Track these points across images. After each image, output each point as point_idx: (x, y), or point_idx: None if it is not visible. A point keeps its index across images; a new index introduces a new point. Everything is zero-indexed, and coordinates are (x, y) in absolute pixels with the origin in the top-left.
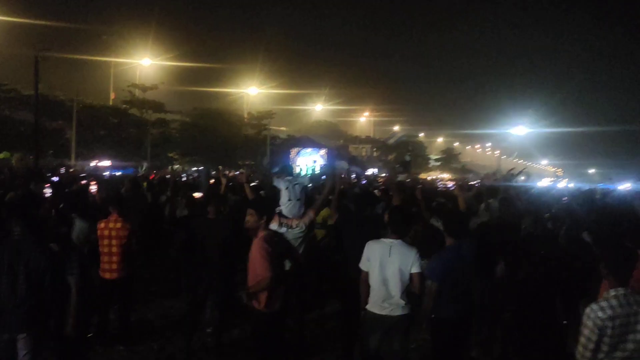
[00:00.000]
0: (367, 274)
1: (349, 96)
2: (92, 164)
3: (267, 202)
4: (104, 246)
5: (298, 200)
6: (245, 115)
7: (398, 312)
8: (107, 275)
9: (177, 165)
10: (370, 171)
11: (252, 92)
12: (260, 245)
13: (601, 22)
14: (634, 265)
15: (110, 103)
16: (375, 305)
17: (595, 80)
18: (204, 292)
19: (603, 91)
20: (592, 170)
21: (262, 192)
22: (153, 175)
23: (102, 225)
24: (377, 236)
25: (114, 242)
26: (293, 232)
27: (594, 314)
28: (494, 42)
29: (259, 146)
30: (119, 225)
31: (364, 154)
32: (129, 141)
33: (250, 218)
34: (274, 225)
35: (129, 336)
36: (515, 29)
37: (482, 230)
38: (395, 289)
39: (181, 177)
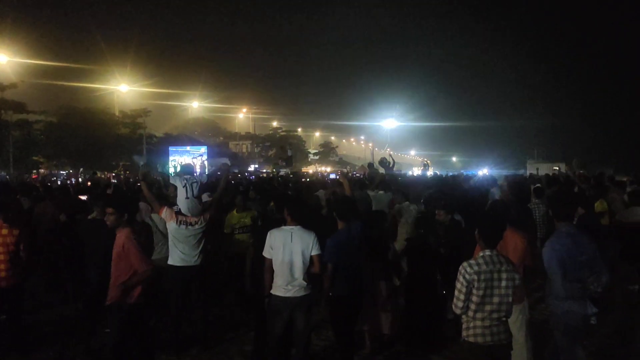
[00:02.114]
0: (270, 260)
1: (226, 93)
2: None
3: (127, 199)
4: None
5: (195, 197)
6: (117, 114)
7: (301, 292)
8: None
9: (42, 170)
10: (251, 167)
11: (123, 89)
12: (130, 240)
13: (467, 27)
14: (500, 232)
15: None
16: (279, 288)
17: (457, 79)
18: (94, 295)
19: (464, 89)
20: (454, 159)
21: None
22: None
23: None
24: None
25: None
26: (193, 228)
27: (464, 269)
28: (365, 39)
29: (133, 145)
30: (4, 231)
31: (244, 150)
32: None
33: (110, 217)
34: (172, 224)
35: (22, 343)
36: (385, 30)
37: (373, 217)
38: (298, 272)
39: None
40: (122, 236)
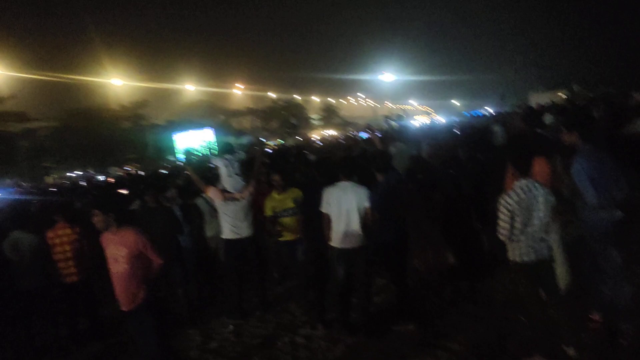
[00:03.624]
0: (328, 215)
1: (219, 72)
2: None
3: (110, 198)
4: (57, 253)
5: (237, 174)
6: (119, 108)
7: (358, 243)
8: (68, 280)
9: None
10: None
11: (117, 83)
12: (140, 237)
13: None
14: (529, 160)
15: None
16: (337, 240)
17: (455, 31)
18: None
19: (460, 42)
20: (457, 102)
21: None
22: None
23: (51, 234)
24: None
25: (67, 247)
26: (240, 203)
27: (505, 201)
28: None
29: (139, 137)
30: (68, 231)
31: (247, 125)
32: None
33: (96, 219)
34: (219, 201)
35: (99, 333)
36: None
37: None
38: (354, 224)
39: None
40: (128, 236)
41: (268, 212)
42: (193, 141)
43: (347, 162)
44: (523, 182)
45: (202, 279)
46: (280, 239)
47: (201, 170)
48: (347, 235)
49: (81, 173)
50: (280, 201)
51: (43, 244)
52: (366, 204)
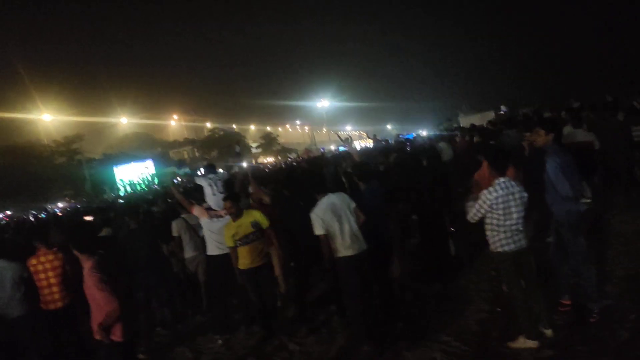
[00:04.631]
0: (325, 236)
1: (154, 104)
2: None
3: (82, 232)
4: (41, 280)
5: (221, 193)
6: (51, 144)
7: (364, 246)
8: (52, 306)
9: None
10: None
11: (46, 118)
12: (92, 277)
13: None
14: (506, 162)
15: None
16: (348, 249)
17: (385, 54)
18: None
19: (394, 70)
20: (390, 127)
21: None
22: None
23: (34, 261)
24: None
25: (50, 274)
26: (225, 220)
27: (485, 196)
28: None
29: (74, 172)
30: (50, 257)
31: (185, 156)
32: None
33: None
34: (204, 219)
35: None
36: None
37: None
38: (355, 229)
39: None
40: (85, 273)
41: (229, 243)
42: (133, 173)
43: (318, 178)
44: (501, 180)
45: (183, 299)
46: (244, 267)
47: (140, 202)
48: (353, 238)
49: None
50: (238, 227)
51: (25, 271)
52: (352, 204)
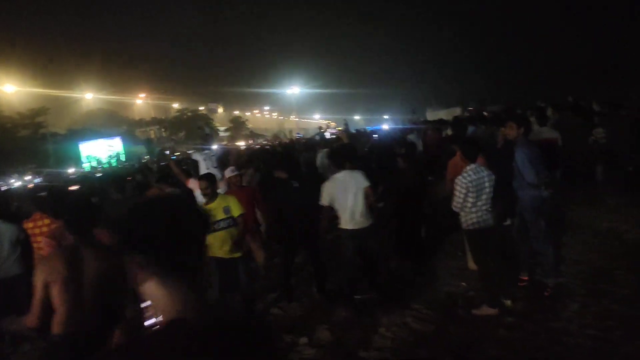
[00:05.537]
0: (328, 208)
1: (121, 81)
2: None
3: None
4: (38, 242)
5: (215, 167)
6: (14, 115)
7: (367, 223)
8: None
9: None
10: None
11: (8, 89)
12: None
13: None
14: (477, 151)
15: None
16: (349, 223)
17: (356, 43)
18: None
19: (359, 57)
20: (357, 117)
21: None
22: None
23: (30, 224)
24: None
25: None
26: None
27: (460, 181)
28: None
29: (37, 146)
30: (46, 221)
31: (153, 135)
32: None
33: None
34: (198, 193)
35: None
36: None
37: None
38: (361, 206)
39: None
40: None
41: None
42: (100, 150)
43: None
44: (473, 166)
45: None
46: (215, 255)
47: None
48: (357, 216)
49: None
50: (209, 212)
51: (22, 233)
52: (365, 184)
